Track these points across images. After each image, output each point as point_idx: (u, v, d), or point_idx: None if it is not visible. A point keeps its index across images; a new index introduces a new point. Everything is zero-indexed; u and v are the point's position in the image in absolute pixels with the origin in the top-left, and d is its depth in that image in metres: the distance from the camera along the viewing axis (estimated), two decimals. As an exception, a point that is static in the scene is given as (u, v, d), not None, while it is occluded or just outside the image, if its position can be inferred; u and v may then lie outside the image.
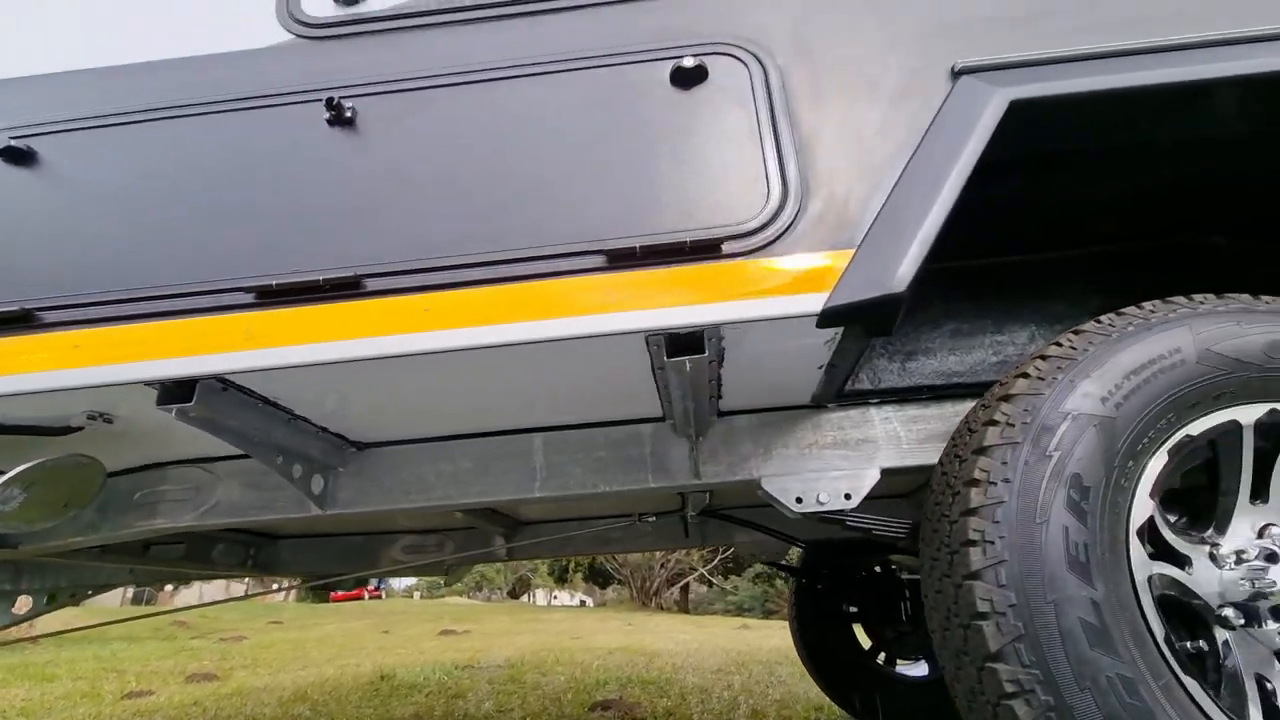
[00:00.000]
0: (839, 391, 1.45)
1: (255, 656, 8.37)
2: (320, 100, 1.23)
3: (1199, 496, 1.07)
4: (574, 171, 1.16)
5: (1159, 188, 1.38)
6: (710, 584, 39.27)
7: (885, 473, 1.42)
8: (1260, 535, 1.01)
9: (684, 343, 1.05)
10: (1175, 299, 1.11)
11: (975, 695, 0.94)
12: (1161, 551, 0.99)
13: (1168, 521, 0.99)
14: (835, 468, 1.43)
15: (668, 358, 1.05)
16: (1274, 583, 0.94)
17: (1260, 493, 1.03)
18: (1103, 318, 1.11)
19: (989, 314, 1.53)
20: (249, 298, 1.10)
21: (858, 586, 3.04)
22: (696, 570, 36.60)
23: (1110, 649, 0.86)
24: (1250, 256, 1.47)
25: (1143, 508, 0.96)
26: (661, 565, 35.21)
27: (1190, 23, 1.13)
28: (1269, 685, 0.92)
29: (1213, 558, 1.00)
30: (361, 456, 1.56)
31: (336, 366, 1.08)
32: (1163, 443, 0.99)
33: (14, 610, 2.58)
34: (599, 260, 1.07)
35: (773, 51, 1.21)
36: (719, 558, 37.39)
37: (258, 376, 1.13)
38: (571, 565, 42.69)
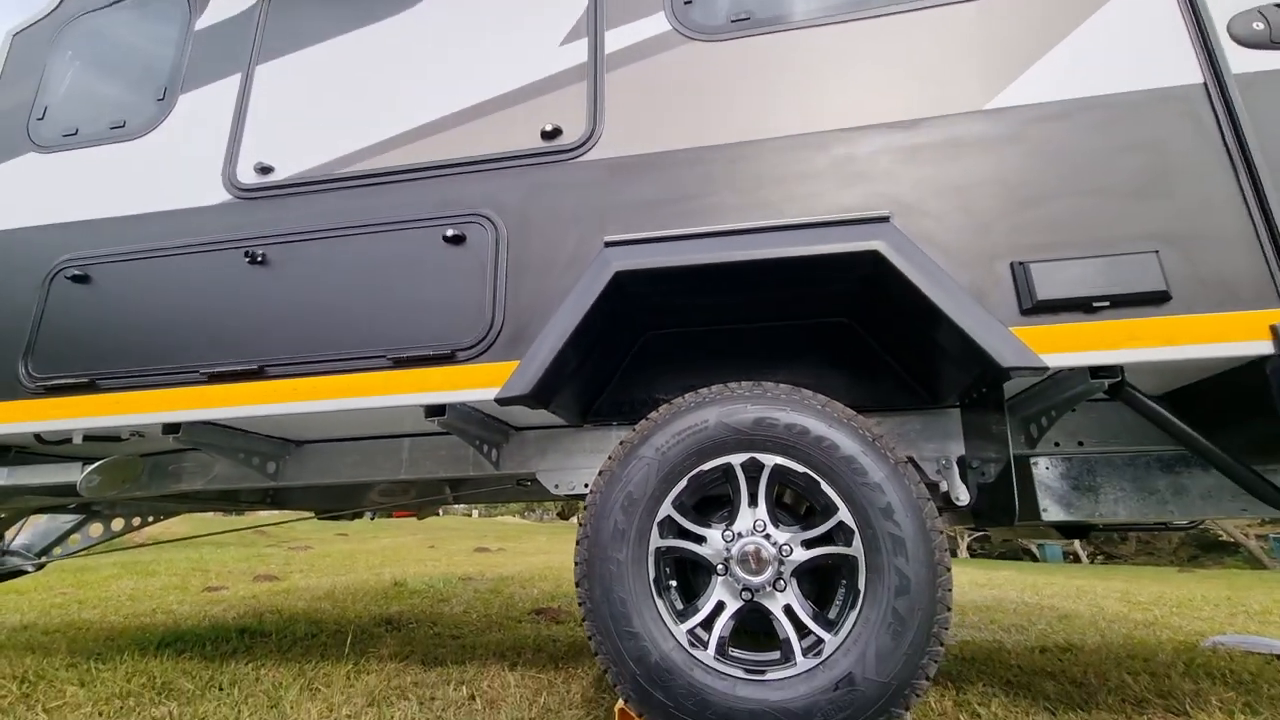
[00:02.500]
0: (584, 417, 2.24)
1: (313, 564, 10.02)
2: (246, 244, 2.06)
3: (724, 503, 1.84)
4: (386, 301, 1.95)
5: (800, 294, 2.05)
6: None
7: (614, 471, 2.21)
8: (754, 526, 1.78)
9: (435, 409, 1.87)
10: (731, 385, 1.84)
11: (582, 605, 1.78)
12: (682, 533, 1.78)
13: (685, 516, 1.77)
14: (583, 466, 2.25)
15: (425, 418, 1.87)
16: (735, 552, 1.71)
17: (755, 502, 1.79)
18: (687, 394, 1.86)
19: (703, 364, 2.25)
20: (204, 378, 1.97)
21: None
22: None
23: (622, 584, 1.68)
24: (866, 329, 2.14)
25: (665, 510, 1.74)
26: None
27: (776, 209, 1.81)
28: (724, 604, 1.72)
29: (723, 537, 1.77)
30: (300, 450, 2.48)
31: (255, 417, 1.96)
32: (685, 475, 1.76)
33: (112, 528, 3.72)
34: (388, 362, 1.89)
35: (505, 219, 1.96)
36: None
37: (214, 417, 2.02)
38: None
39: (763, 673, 1.59)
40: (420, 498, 3.89)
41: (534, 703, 2.28)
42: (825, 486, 1.69)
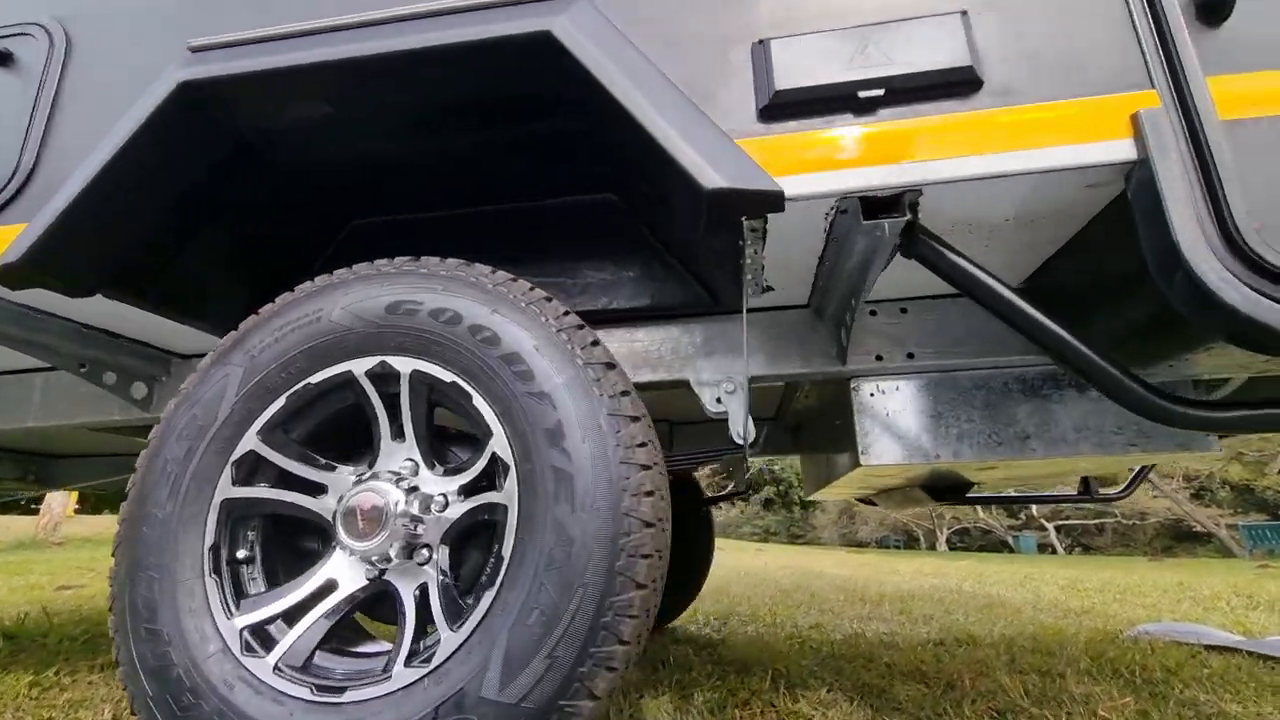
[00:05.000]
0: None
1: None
2: None
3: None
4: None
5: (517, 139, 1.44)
6: (721, 507, 40.93)
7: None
8: (401, 469, 1.18)
9: (-60, 300, 1.25)
10: (380, 262, 1.24)
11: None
12: (285, 478, 1.17)
13: (286, 452, 1.16)
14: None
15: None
16: (343, 507, 1.11)
17: (402, 432, 1.19)
18: (318, 278, 1.25)
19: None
20: None
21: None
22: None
23: (157, 554, 1.08)
24: (639, 207, 1.55)
25: (248, 443, 1.14)
26: (671, 489, 36.32)
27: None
28: (336, 584, 1.12)
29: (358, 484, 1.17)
30: (-98, 391, 1.83)
31: None
32: (285, 390, 1.16)
33: None
34: None
35: (72, 30, 1.33)
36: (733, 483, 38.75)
37: None
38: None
39: (342, 690, 0.99)
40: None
41: None
42: (479, 400, 1.10)
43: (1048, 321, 1.03)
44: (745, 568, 8.33)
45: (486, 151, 1.44)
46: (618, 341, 1.55)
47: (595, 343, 1.13)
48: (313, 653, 1.07)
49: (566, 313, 1.16)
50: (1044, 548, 33.12)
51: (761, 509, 43.61)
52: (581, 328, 1.14)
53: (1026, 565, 11.49)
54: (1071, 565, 12.12)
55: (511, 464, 1.05)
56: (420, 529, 1.10)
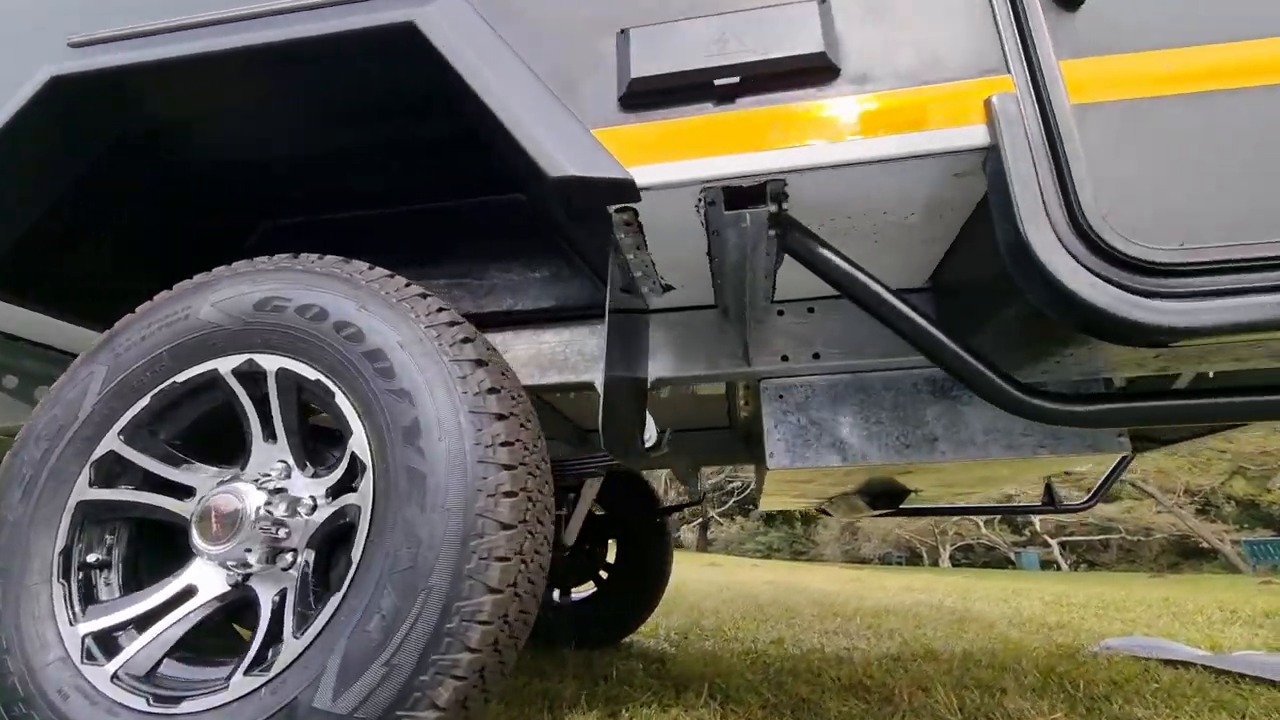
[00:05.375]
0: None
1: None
2: None
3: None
4: None
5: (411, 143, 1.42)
6: (722, 524, 40.74)
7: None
8: (270, 471, 1.14)
9: None
10: (259, 259, 1.21)
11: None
12: (150, 480, 1.14)
13: (151, 453, 1.13)
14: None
15: None
16: (198, 510, 1.07)
17: (273, 433, 1.16)
18: (196, 276, 1.22)
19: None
20: None
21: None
22: (711, 512, 38.53)
23: (6, 556, 1.04)
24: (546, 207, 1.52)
25: (109, 443, 1.11)
26: (672, 505, 36.33)
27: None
28: (195, 590, 1.08)
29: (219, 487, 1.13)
30: None
31: None
32: (149, 390, 1.13)
33: None
34: None
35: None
36: (733, 499, 38.48)
37: None
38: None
39: (179, 701, 0.95)
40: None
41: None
42: (341, 399, 1.07)
43: (918, 318, 1.00)
44: (731, 583, 8.22)
45: (383, 151, 1.42)
46: (525, 343, 1.52)
47: (467, 340, 1.10)
48: (160, 661, 1.02)
49: (441, 309, 1.13)
50: (1048, 564, 32.72)
51: (763, 525, 43.27)
52: (454, 325, 1.11)
53: (1020, 581, 11.35)
54: (1066, 581, 11.97)
55: (369, 464, 1.02)
56: (283, 532, 1.07)
